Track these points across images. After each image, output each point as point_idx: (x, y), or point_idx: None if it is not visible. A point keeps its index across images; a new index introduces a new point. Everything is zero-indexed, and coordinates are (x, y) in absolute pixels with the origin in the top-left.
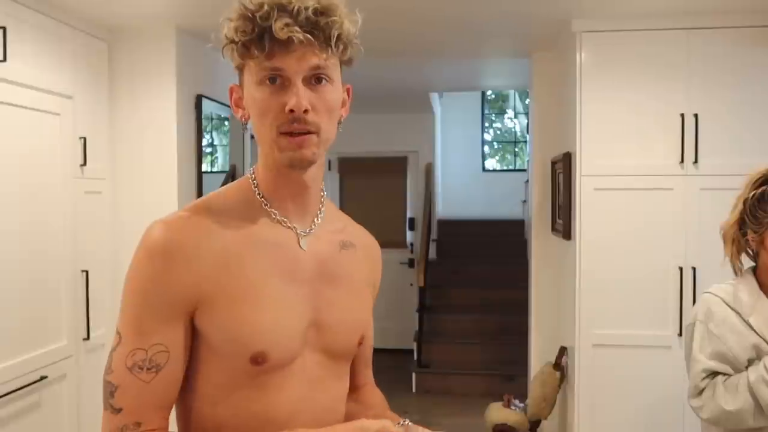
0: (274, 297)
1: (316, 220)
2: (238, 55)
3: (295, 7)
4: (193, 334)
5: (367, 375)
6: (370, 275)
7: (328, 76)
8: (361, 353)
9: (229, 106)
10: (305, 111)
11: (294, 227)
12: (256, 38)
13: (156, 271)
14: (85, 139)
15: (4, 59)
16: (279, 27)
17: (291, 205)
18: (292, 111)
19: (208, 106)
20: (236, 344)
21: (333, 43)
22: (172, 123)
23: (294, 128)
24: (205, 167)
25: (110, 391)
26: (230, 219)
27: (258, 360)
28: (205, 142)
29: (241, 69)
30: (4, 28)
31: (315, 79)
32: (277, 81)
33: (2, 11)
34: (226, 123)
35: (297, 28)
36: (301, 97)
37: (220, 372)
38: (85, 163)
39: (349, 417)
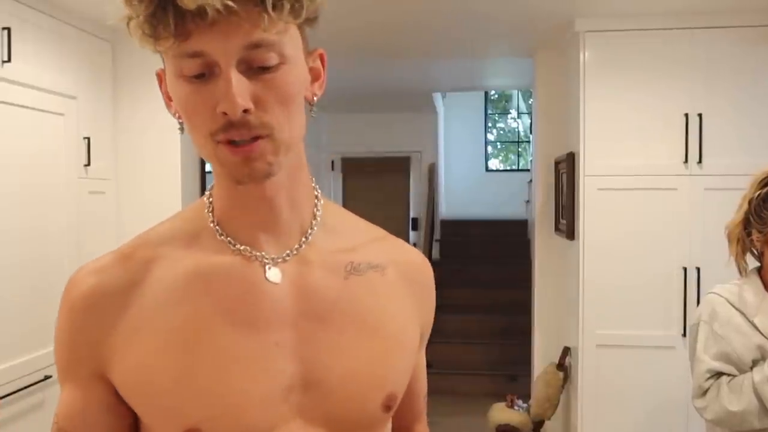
0: (222, 350)
1: (303, 239)
2: (143, 36)
3: None
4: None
5: None
6: (416, 305)
7: (277, 53)
8: (410, 405)
9: None
10: (245, 110)
11: (259, 255)
12: (159, 11)
13: (63, 326)
14: (88, 139)
15: (9, 60)
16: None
17: (256, 226)
18: (225, 114)
19: None
20: (164, 416)
21: (271, 3)
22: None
23: (233, 135)
24: (208, 167)
25: None
26: (172, 254)
27: None
28: None
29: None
30: (9, 29)
31: (260, 64)
32: (204, 74)
33: (6, 12)
34: None
35: None
36: (235, 92)
37: None
38: (88, 163)
39: None
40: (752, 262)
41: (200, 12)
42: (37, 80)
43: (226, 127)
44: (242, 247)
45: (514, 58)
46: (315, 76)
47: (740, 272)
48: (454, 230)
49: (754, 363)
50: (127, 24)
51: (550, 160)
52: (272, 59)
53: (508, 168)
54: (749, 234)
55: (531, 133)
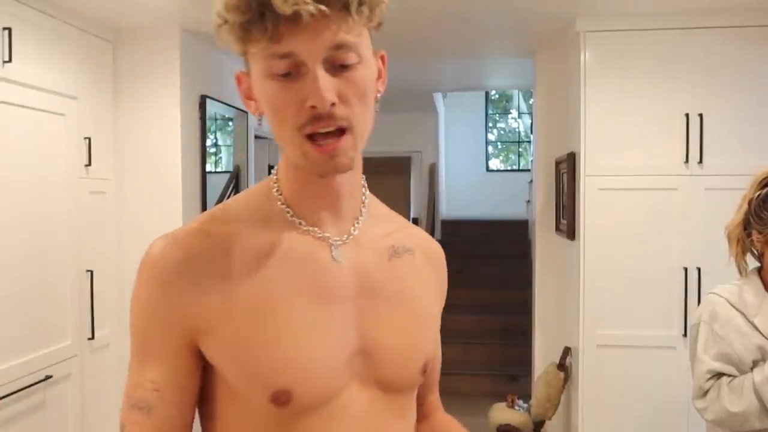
0: (301, 321)
1: (355, 224)
2: (236, 39)
3: None
4: (211, 370)
5: (433, 402)
6: (437, 285)
7: (356, 53)
8: (427, 376)
9: (232, 107)
10: (332, 105)
11: (326, 236)
12: (256, 17)
13: (151, 297)
14: (89, 139)
15: (10, 60)
16: (281, 0)
17: (322, 211)
18: (314, 107)
19: (212, 107)
20: (253, 381)
21: (356, 8)
22: (176, 123)
23: (320, 127)
24: (209, 167)
25: (120, 430)
26: (246, 231)
27: (280, 400)
28: (209, 142)
29: (245, 54)
30: (9, 29)
31: (341, 62)
32: (290, 72)
33: (7, 12)
34: (230, 123)
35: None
36: (323, 87)
37: (239, 416)
38: (89, 164)
39: None
40: (752, 263)
41: (295, 17)
42: (38, 80)
43: (313, 120)
44: (312, 229)
45: (514, 58)
46: (378, 75)
47: (740, 273)
48: (455, 230)
49: (755, 363)
50: (218, 27)
51: (550, 160)
52: (352, 58)
53: (509, 168)
54: (749, 234)
55: (531, 133)
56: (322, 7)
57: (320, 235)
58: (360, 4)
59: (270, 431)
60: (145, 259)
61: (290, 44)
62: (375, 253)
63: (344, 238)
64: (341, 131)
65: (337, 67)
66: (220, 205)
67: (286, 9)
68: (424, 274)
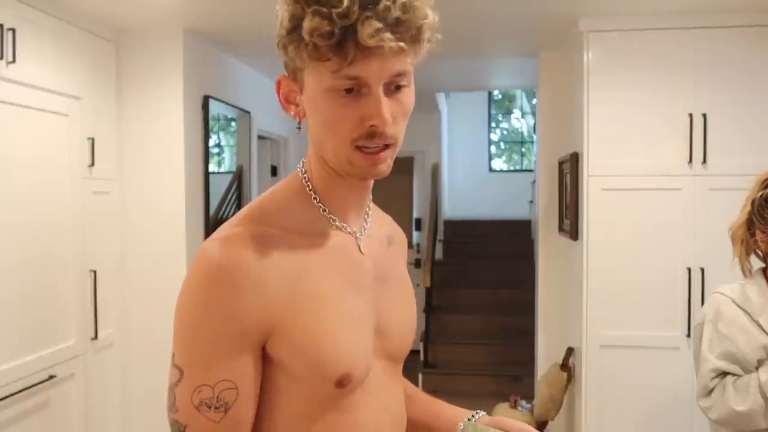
0: (349, 311)
1: (366, 218)
2: (307, 57)
3: (382, 4)
4: (265, 363)
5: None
6: (405, 265)
7: (407, 78)
8: None
9: (235, 107)
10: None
11: (354, 231)
12: (336, 43)
13: (220, 298)
14: (93, 139)
15: (14, 60)
16: (368, 34)
17: (350, 208)
18: (373, 125)
19: (215, 107)
20: (320, 369)
21: (424, 44)
22: (180, 123)
23: (373, 143)
24: (212, 167)
25: (179, 430)
26: (292, 229)
27: (343, 382)
28: (211, 142)
29: (292, 65)
30: (14, 30)
31: (395, 85)
32: (353, 90)
33: (11, 13)
34: (233, 123)
35: (389, 35)
36: (385, 110)
37: (300, 400)
38: (93, 164)
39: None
40: (756, 263)
41: (376, 48)
42: (42, 81)
43: (368, 136)
44: (342, 225)
45: (517, 58)
46: None
47: (744, 273)
48: (458, 230)
49: (759, 363)
50: (287, 42)
51: (553, 160)
52: (404, 82)
53: (512, 168)
54: (753, 234)
55: (535, 133)
56: (402, 44)
57: (349, 230)
58: (428, 40)
59: (328, 408)
60: (205, 261)
61: (360, 69)
62: (379, 243)
63: (363, 232)
64: (386, 146)
65: (392, 89)
66: (257, 206)
67: (371, 43)
68: (402, 257)
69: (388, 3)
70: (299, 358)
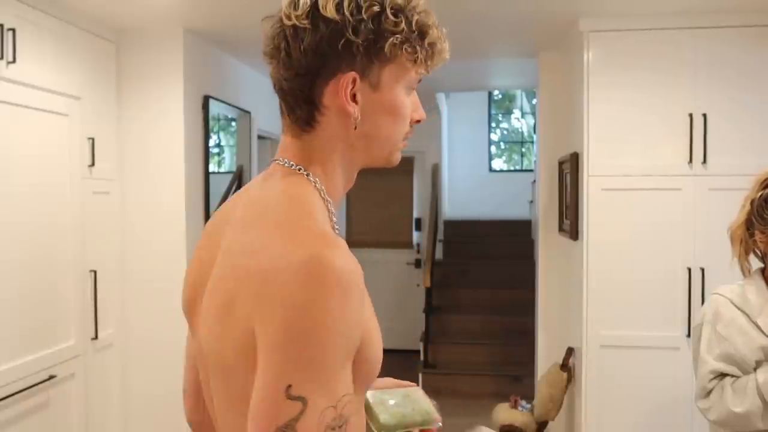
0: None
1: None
2: (423, 57)
3: (438, 22)
4: None
5: None
6: None
7: None
8: None
9: (235, 107)
10: None
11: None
12: (433, 53)
13: (352, 305)
14: (93, 139)
15: (14, 61)
16: (446, 49)
17: (335, 209)
18: (419, 121)
19: (215, 107)
20: (369, 368)
21: None
22: (180, 124)
23: (410, 135)
24: (212, 168)
25: None
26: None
27: (376, 375)
28: (212, 142)
29: (369, 62)
30: (14, 30)
31: None
32: (413, 89)
33: (11, 13)
34: (233, 123)
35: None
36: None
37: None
38: (93, 164)
39: None
40: (756, 263)
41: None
42: (42, 81)
43: (411, 130)
44: (337, 228)
45: (517, 58)
46: None
47: (743, 273)
48: (458, 230)
49: (758, 364)
50: (404, 43)
51: (554, 160)
52: None
53: (512, 168)
54: (752, 235)
55: (535, 133)
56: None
57: (340, 233)
58: None
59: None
60: (333, 272)
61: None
62: None
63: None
64: None
65: None
66: (310, 217)
67: (447, 57)
68: None
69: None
70: (368, 363)
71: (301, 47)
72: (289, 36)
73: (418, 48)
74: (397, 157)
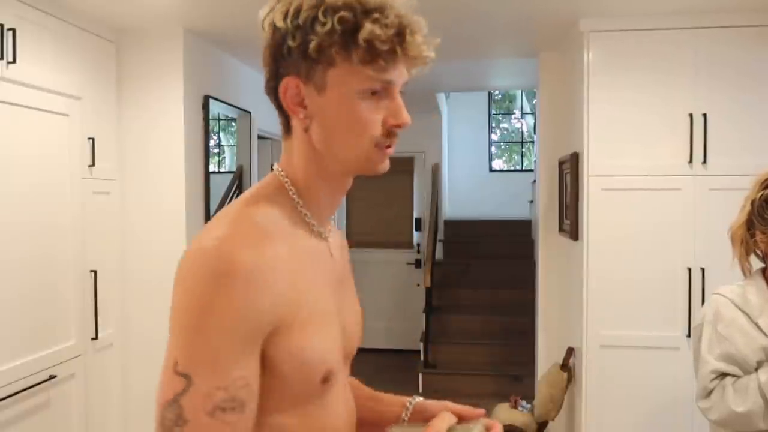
0: (329, 311)
1: (331, 221)
2: (355, 57)
3: (416, 18)
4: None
5: None
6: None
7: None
8: None
9: (236, 107)
10: None
11: (326, 235)
12: (389, 49)
13: (234, 295)
14: (93, 139)
15: (14, 61)
16: (417, 45)
17: (325, 214)
18: (398, 126)
19: (215, 107)
20: (309, 367)
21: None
22: (180, 123)
23: (393, 142)
24: (212, 167)
25: None
26: (281, 232)
27: (327, 379)
28: (212, 142)
29: (309, 66)
30: (14, 30)
31: (400, 90)
32: (377, 92)
33: (12, 13)
34: (233, 123)
35: (427, 47)
36: (404, 111)
37: (286, 399)
38: (93, 164)
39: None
40: (756, 263)
41: (415, 57)
42: (42, 81)
43: (390, 136)
44: (320, 229)
45: (518, 58)
46: None
47: (744, 273)
48: (458, 230)
49: (759, 364)
50: (331, 45)
51: (554, 160)
52: (403, 88)
53: (512, 168)
54: (753, 235)
55: (535, 133)
56: (432, 55)
57: (324, 235)
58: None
59: (310, 404)
60: (211, 261)
61: (392, 74)
62: (337, 245)
63: (329, 236)
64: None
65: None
66: (236, 209)
67: (418, 53)
68: (348, 259)
69: (418, 18)
70: (292, 358)
71: (265, 54)
72: (262, 43)
73: (352, 47)
74: (381, 165)
